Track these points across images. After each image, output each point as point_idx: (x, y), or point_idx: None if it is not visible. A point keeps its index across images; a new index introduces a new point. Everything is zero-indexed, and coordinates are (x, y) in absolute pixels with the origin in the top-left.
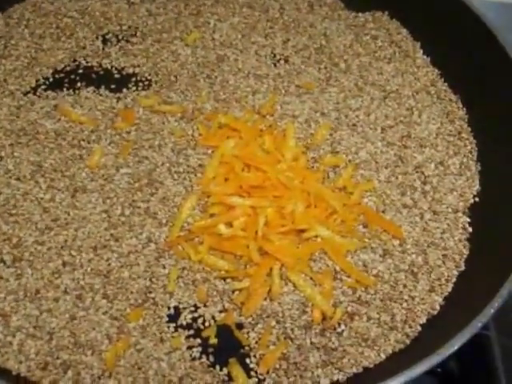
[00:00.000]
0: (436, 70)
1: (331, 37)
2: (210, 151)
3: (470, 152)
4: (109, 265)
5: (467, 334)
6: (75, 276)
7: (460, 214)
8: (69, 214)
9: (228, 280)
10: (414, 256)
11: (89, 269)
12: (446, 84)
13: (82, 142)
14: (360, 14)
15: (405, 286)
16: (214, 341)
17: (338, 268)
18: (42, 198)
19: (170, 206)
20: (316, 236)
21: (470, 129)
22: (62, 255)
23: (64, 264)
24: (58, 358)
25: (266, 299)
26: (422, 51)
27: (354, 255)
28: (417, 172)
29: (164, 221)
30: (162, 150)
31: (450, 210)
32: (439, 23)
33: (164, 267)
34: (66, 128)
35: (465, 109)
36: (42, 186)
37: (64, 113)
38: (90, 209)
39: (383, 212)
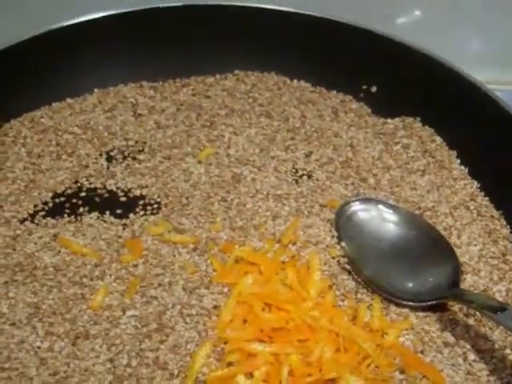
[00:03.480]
0: (475, 183)
1: (358, 148)
2: (225, 289)
3: None
4: None
5: None
6: None
7: (508, 351)
8: (69, 366)
9: None
10: None
11: None
12: (486, 198)
13: (84, 279)
14: (389, 121)
15: None
16: None
17: None
18: (39, 348)
19: (181, 355)
20: None
21: None
22: None
23: None
24: None
25: None
26: (458, 161)
27: None
28: (457, 304)
29: (176, 372)
30: (172, 288)
31: (496, 346)
32: (476, 130)
33: None
34: (66, 262)
35: (509, 227)
36: (40, 332)
37: (65, 244)
38: (93, 358)
39: (422, 353)
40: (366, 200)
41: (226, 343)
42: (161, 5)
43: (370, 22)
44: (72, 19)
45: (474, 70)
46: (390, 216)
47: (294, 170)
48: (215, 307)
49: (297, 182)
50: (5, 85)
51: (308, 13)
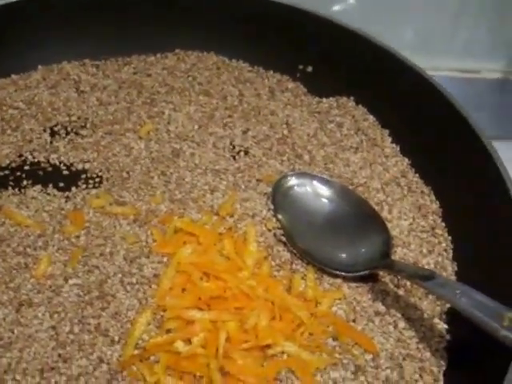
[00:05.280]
0: (406, 160)
1: (294, 125)
2: (165, 259)
3: (445, 250)
4: None
5: None
6: None
7: (437, 320)
8: (13, 333)
9: None
10: (388, 371)
11: None
12: (417, 175)
13: (27, 249)
14: (324, 100)
15: None
16: None
17: None
18: None
19: (122, 322)
20: (282, 352)
21: (444, 224)
22: (6, 380)
23: None
24: None
25: None
26: (390, 139)
27: (324, 373)
28: (389, 275)
29: (116, 338)
30: (113, 258)
31: (425, 315)
32: (408, 109)
33: None
34: (10, 232)
35: (438, 202)
36: None
37: (8, 215)
38: (37, 325)
39: (354, 321)
40: (302, 174)
41: (165, 311)
42: None
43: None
44: None
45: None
46: (324, 190)
47: (231, 147)
48: (155, 276)
49: (234, 157)
50: None
51: None
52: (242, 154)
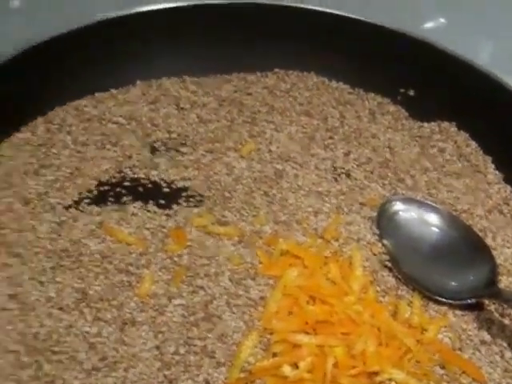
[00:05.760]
0: (509, 188)
1: (396, 149)
2: (271, 281)
3: None
4: None
5: None
6: None
7: None
8: (117, 351)
9: None
10: None
11: None
12: None
13: (130, 267)
14: (425, 125)
15: None
16: None
17: None
18: (87, 333)
19: (228, 344)
20: (390, 379)
21: None
22: None
23: None
24: None
25: None
26: (493, 166)
27: None
28: (494, 304)
29: (222, 360)
30: (218, 278)
31: None
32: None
33: None
34: (112, 249)
35: None
36: (88, 317)
37: (110, 232)
38: (141, 345)
39: (460, 350)
40: (408, 200)
41: (271, 334)
42: (206, 1)
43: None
44: (119, 11)
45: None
46: (430, 216)
47: (332, 168)
48: (261, 298)
49: (336, 180)
50: (49, 72)
51: (349, 15)
52: (343, 176)
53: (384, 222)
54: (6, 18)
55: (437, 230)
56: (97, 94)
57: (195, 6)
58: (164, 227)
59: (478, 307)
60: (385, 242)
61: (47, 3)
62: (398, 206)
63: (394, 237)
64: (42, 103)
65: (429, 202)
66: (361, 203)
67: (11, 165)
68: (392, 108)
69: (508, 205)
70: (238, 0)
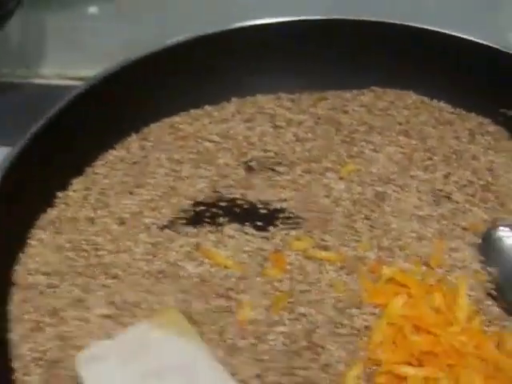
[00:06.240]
0: None
1: (497, 172)
2: (376, 310)
3: None
4: None
5: None
6: None
7: None
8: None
9: None
10: None
11: None
12: None
13: (229, 292)
14: None
15: None
16: None
17: None
18: None
19: (331, 375)
20: None
21: None
22: None
23: None
24: None
25: None
26: None
27: None
28: None
29: None
30: (322, 306)
31: None
32: None
33: None
34: (211, 273)
35: None
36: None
37: (207, 254)
38: (243, 372)
39: None
40: None
41: (375, 365)
42: (304, 17)
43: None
44: (215, 27)
45: None
46: None
47: (432, 191)
48: (366, 328)
49: (437, 203)
50: (144, 89)
51: (449, 32)
52: (444, 199)
53: (488, 248)
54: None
55: None
56: (192, 111)
57: (291, 22)
58: (262, 250)
59: None
60: (490, 269)
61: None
62: (504, 232)
63: (499, 264)
64: (136, 120)
65: None
66: (463, 228)
67: (106, 183)
68: (492, 128)
69: None
70: (336, 16)
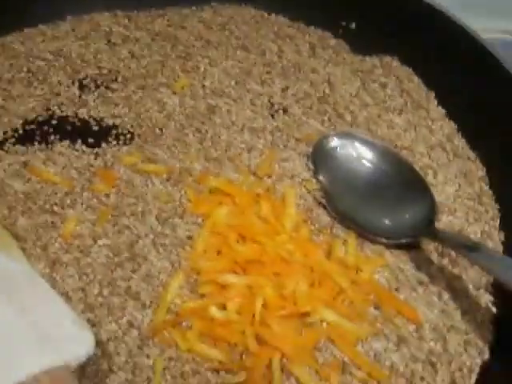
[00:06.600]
0: (452, 124)
1: (335, 84)
2: (199, 220)
3: (492, 219)
4: None
5: None
6: None
7: (482, 292)
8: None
9: (221, 373)
10: (431, 343)
11: None
12: (463, 140)
13: (54, 207)
14: (367, 59)
15: (422, 378)
16: None
17: (346, 359)
18: None
19: (154, 285)
20: (321, 321)
21: (491, 192)
22: None
23: None
24: None
25: None
26: (436, 102)
27: (365, 344)
28: (433, 243)
29: (147, 302)
30: (145, 218)
31: (470, 286)
32: (455, 71)
33: (148, 357)
34: (36, 190)
35: (485, 168)
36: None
37: (35, 172)
38: (67, 286)
39: (396, 290)
40: (345, 135)
41: (199, 274)
42: None
43: None
44: None
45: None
46: (367, 152)
47: (269, 104)
48: (189, 237)
49: (272, 116)
50: None
51: None
52: (280, 112)
53: (320, 158)
54: None
55: (373, 166)
56: (25, 30)
57: None
58: (92, 166)
59: (416, 247)
60: (320, 178)
61: None
62: (335, 142)
63: (329, 173)
64: None
65: (367, 138)
66: (297, 139)
67: None
68: (333, 42)
69: (451, 142)
70: None
